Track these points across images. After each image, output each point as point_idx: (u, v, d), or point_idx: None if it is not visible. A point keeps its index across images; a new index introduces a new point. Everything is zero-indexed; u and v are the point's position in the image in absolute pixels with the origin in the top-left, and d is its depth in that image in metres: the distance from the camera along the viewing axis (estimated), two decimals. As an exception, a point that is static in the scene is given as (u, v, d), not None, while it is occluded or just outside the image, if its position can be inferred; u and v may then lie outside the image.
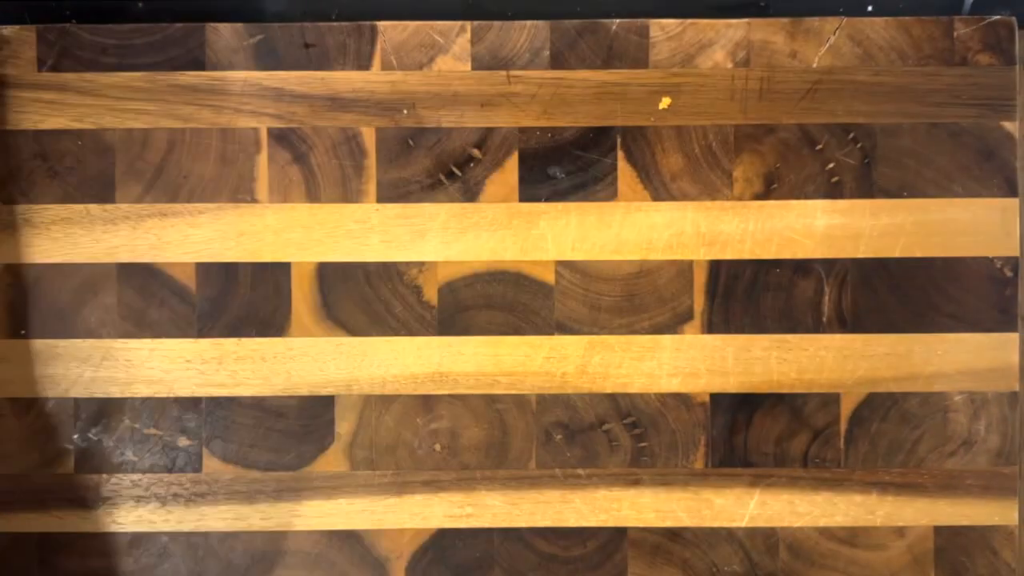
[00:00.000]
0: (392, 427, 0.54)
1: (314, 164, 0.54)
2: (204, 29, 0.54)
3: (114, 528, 0.54)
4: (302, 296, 0.54)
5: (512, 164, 0.54)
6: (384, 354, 0.54)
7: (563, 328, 0.53)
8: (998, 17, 0.54)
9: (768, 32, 0.54)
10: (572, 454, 0.54)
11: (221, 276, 0.54)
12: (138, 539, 0.54)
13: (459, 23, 0.54)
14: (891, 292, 0.54)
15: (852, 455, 0.54)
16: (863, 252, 0.54)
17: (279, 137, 0.54)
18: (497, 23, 0.54)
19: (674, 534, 0.54)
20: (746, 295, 0.54)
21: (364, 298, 0.54)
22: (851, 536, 0.53)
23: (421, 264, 0.54)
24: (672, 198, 0.54)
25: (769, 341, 0.54)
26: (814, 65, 0.54)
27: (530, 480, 0.53)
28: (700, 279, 0.53)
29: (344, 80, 0.54)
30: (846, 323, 0.54)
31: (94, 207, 0.54)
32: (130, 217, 0.54)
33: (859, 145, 0.54)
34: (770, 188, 0.54)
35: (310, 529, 0.53)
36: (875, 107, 0.54)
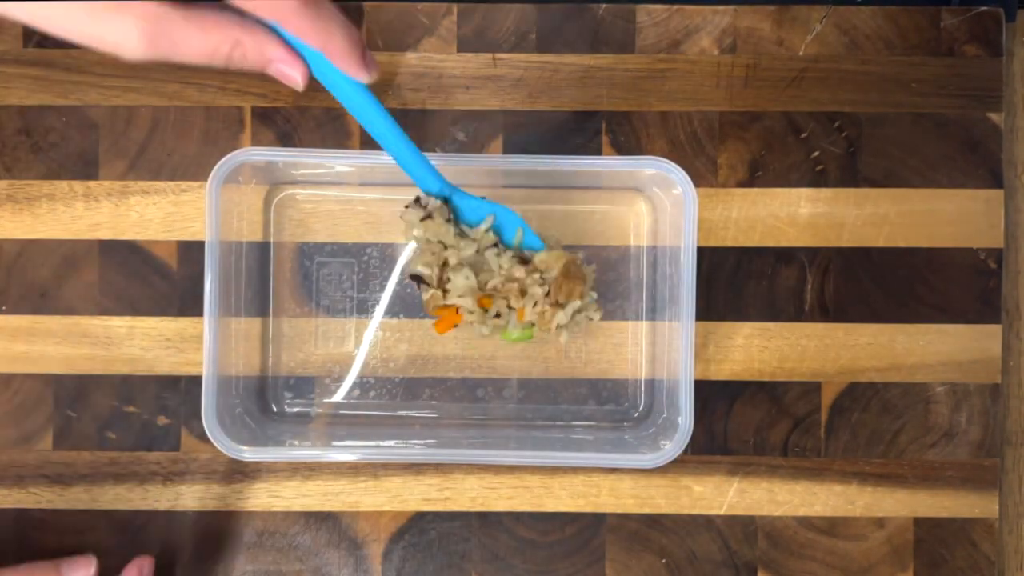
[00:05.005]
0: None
1: (298, 144, 0.54)
2: (190, 7, 0.54)
3: (92, 506, 0.53)
4: (283, 276, 0.54)
5: (496, 147, 0.54)
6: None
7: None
8: (985, 8, 0.53)
9: (755, 19, 0.54)
10: (552, 439, 0.53)
11: (202, 255, 0.53)
12: (116, 517, 0.53)
13: (445, 5, 0.54)
14: (874, 282, 0.54)
15: (832, 445, 0.53)
16: (846, 241, 0.54)
17: (263, 116, 0.54)
18: (483, 5, 0.54)
19: (653, 520, 0.53)
20: (728, 282, 0.53)
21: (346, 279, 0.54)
22: (830, 526, 0.53)
23: (404, 246, 0.53)
24: (656, 184, 0.53)
25: (751, 329, 0.53)
26: (800, 53, 0.54)
27: (509, 464, 0.53)
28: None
29: (329, 60, 0.53)
30: (828, 312, 0.54)
31: (77, 183, 0.54)
32: (113, 194, 0.54)
33: (844, 134, 0.54)
34: (754, 175, 0.54)
35: (287, 510, 0.53)
36: (861, 96, 0.54)
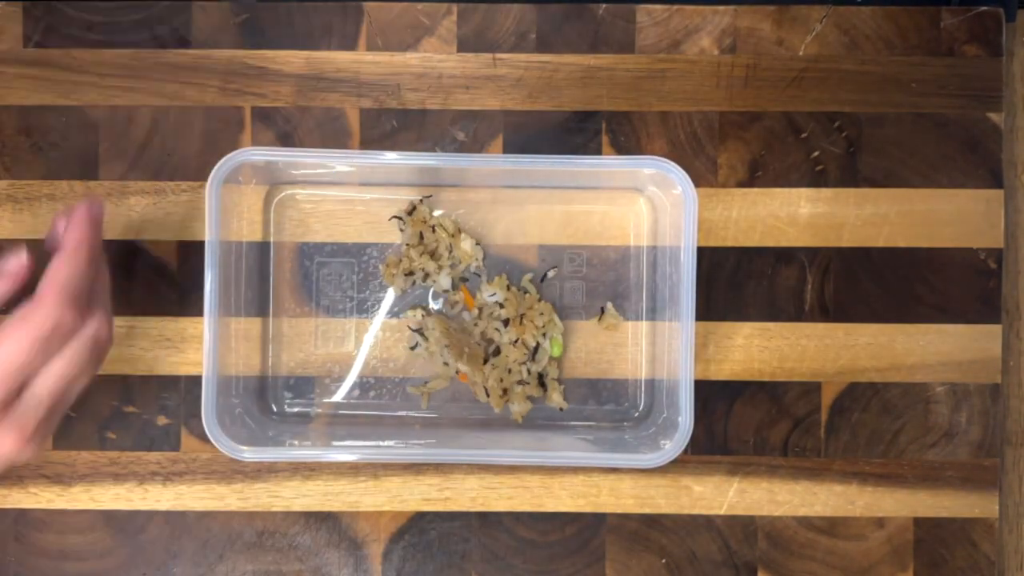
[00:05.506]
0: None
1: (298, 144, 0.54)
2: (190, 7, 0.54)
3: (91, 506, 0.53)
4: (283, 276, 0.54)
5: (497, 147, 0.54)
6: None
7: (545, 312, 0.53)
8: (985, 8, 0.53)
9: (754, 19, 0.54)
10: (552, 439, 0.53)
11: (202, 255, 0.53)
12: (116, 517, 0.53)
13: (445, 5, 0.54)
14: (874, 282, 0.54)
15: (832, 445, 0.53)
16: (846, 241, 0.54)
17: (263, 116, 0.54)
18: (483, 6, 0.54)
19: (652, 520, 0.53)
20: (728, 282, 0.53)
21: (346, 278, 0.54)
22: (830, 526, 0.53)
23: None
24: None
25: (751, 329, 0.53)
26: (800, 53, 0.54)
27: (509, 464, 0.53)
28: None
29: (329, 60, 0.54)
30: (828, 312, 0.54)
31: (77, 183, 0.54)
32: (113, 194, 0.54)
33: (844, 134, 0.54)
34: (754, 176, 0.54)
35: (287, 510, 0.53)
36: (861, 96, 0.54)
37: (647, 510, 0.53)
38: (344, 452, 0.50)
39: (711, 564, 0.53)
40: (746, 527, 0.53)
